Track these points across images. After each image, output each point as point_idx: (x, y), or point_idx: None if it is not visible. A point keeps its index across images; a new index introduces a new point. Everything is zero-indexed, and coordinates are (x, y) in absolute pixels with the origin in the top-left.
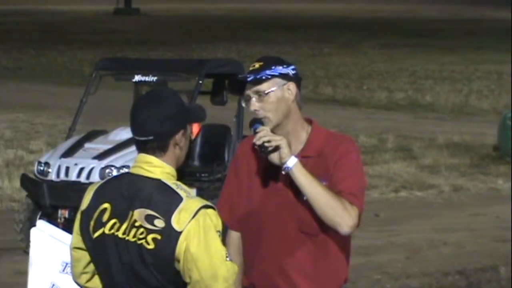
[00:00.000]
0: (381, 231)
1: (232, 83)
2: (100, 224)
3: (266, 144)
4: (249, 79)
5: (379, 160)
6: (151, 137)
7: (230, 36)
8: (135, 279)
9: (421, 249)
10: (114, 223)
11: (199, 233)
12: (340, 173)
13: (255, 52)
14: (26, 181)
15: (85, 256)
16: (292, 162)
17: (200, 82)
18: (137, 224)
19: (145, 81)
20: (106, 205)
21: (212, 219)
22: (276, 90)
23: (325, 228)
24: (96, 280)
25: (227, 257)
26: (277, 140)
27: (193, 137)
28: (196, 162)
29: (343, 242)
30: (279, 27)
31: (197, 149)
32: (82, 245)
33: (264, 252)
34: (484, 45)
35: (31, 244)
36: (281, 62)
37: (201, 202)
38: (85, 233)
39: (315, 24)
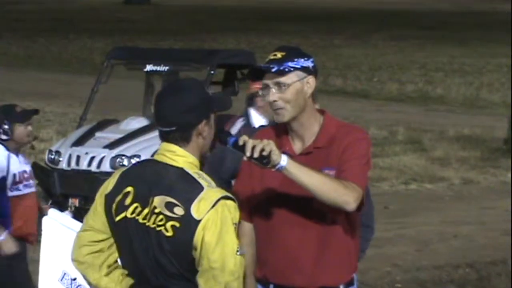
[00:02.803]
0: (391, 223)
1: (253, 71)
2: (122, 207)
3: (264, 153)
4: (273, 69)
5: (389, 152)
6: (173, 128)
7: (241, 27)
8: (155, 265)
9: (431, 242)
10: (136, 207)
11: (216, 224)
12: (346, 156)
13: (266, 43)
14: (37, 170)
15: (95, 235)
16: (284, 160)
17: (212, 72)
18: (157, 210)
19: (156, 71)
20: (129, 188)
21: (230, 211)
22: (296, 83)
23: (335, 217)
24: (99, 257)
25: (238, 251)
26: (267, 145)
27: None
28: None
29: (353, 231)
30: (289, 18)
31: None
32: (99, 227)
33: (276, 243)
34: (495, 38)
35: (43, 232)
36: (302, 54)
37: (222, 192)
38: (109, 216)
39: (325, 15)
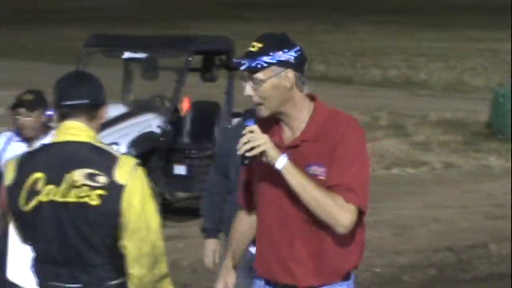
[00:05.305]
0: (371, 209)
1: (227, 64)
2: (34, 193)
3: (247, 154)
4: (242, 67)
5: (371, 138)
6: (86, 101)
7: (221, 14)
8: (78, 240)
9: (412, 226)
10: (50, 189)
11: (140, 187)
12: (337, 164)
13: (243, 29)
14: None
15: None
16: (281, 163)
17: (189, 59)
18: (78, 183)
19: (134, 58)
20: (38, 174)
21: (144, 175)
22: (272, 78)
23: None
24: None
25: (156, 210)
26: (260, 146)
27: (183, 113)
28: (186, 139)
29: (350, 231)
30: (270, 4)
31: (187, 126)
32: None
33: (266, 238)
34: (479, 22)
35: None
36: (282, 46)
37: (134, 159)
38: (13, 207)
39: (303, 2)
